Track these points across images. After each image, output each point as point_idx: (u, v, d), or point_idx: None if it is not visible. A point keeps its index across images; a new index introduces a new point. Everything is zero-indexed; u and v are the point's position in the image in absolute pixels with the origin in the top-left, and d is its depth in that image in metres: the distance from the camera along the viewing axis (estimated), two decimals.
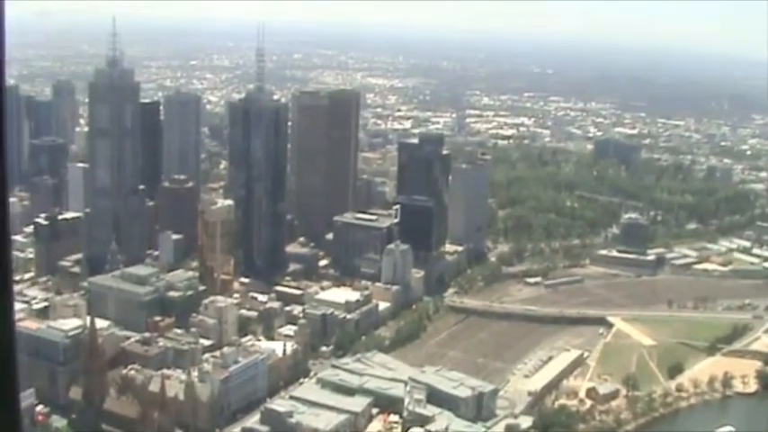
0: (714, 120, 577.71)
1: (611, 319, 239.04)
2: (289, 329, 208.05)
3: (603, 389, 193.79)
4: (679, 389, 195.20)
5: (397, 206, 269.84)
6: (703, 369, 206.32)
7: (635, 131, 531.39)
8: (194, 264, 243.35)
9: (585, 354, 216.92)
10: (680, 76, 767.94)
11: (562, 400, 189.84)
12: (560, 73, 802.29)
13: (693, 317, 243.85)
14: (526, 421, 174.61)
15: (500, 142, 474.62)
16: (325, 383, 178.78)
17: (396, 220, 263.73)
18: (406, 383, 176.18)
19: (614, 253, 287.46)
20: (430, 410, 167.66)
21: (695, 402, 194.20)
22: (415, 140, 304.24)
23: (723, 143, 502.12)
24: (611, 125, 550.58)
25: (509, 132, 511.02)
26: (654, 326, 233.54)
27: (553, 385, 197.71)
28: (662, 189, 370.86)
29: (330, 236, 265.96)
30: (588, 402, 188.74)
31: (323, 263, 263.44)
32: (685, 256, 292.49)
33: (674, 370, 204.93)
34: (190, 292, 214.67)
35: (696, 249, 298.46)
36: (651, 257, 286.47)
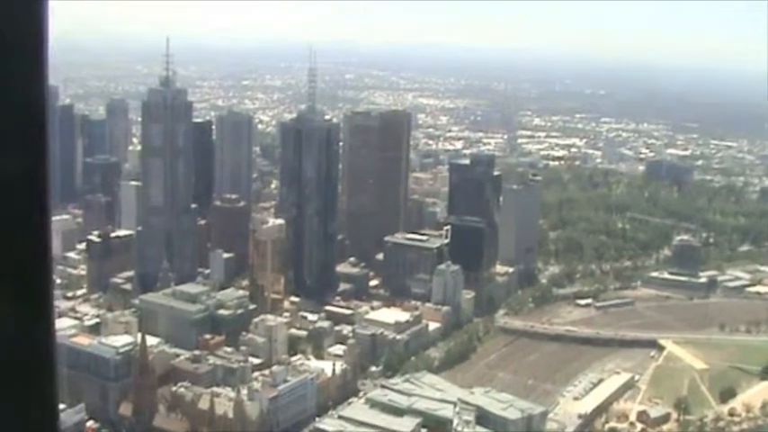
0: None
1: (662, 341, 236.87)
2: (338, 349, 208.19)
3: (654, 412, 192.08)
4: (731, 413, 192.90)
5: (448, 227, 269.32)
6: (756, 394, 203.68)
7: (687, 152, 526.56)
8: (245, 282, 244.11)
9: (636, 377, 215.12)
10: (732, 95, 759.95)
11: (612, 423, 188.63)
12: (612, 94, 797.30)
13: (746, 340, 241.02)
14: None
15: (551, 163, 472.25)
16: (373, 403, 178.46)
17: (446, 241, 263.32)
18: (455, 404, 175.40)
19: (666, 275, 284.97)
20: None
21: (747, 427, 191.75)
22: (467, 161, 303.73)
23: None
24: (663, 146, 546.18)
25: (560, 153, 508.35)
26: (706, 349, 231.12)
27: (603, 408, 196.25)
28: (714, 211, 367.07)
29: (380, 256, 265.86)
30: (639, 426, 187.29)
31: (373, 283, 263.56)
32: (738, 278, 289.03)
33: (727, 394, 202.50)
34: (240, 311, 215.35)
35: (749, 272, 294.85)
36: (703, 280, 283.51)
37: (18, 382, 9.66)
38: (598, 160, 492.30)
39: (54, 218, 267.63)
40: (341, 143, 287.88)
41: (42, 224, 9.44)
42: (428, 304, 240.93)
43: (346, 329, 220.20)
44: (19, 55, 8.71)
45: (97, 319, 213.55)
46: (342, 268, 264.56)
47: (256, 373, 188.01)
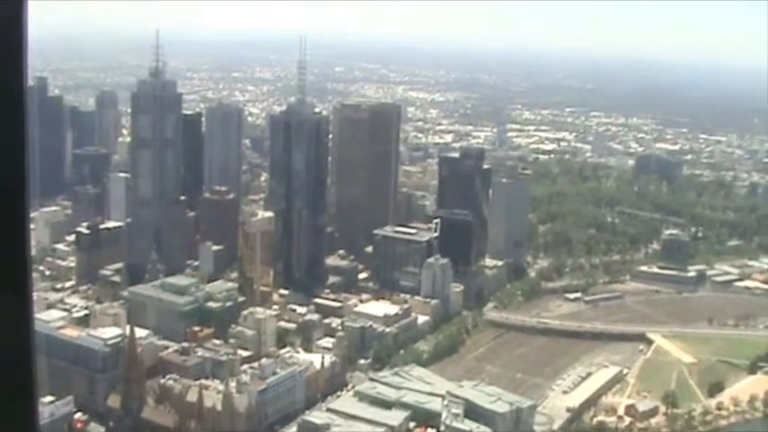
0: (757, 135, 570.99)
1: (650, 335, 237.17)
2: (327, 342, 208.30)
3: (642, 406, 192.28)
4: (719, 407, 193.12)
5: (437, 220, 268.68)
6: (744, 388, 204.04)
7: (676, 147, 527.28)
8: (234, 275, 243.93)
9: (625, 370, 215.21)
10: (722, 90, 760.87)
11: (601, 417, 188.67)
12: (601, 88, 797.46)
13: (734, 335, 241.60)
14: None
15: (541, 157, 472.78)
16: (362, 396, 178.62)
17: (435, 234, 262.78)
18: (443, 398, 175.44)
19: (655, 269, 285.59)
20: (467, 425, 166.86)
21: (735, 421, 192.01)
22: (456, 154, 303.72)
23: (766, 159, 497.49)
24: (652, 141, 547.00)
25: (550, 147, 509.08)
26: (694, 343, 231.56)
27: (592, 402, 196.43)
28: (703, 205, 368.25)
29: (370, 249, 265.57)
30: (627, 419, 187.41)
31: (362, 276, 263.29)
32: (726, 273, 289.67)
33: (715, 388, 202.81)
34: (229, 303, 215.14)
35: (737, 266, 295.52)
36: (692, 274, 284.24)
37: None
38: (588, 154, 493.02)
39: (43, 209, 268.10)
40: (330, 136, 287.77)
41: (21, 218, 9.30)
42: (417, 297, 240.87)
43: (335, 322, 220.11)
44: None
45: (86, 311, 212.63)
46: (331, 261, 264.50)
47: (245, 366, 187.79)
